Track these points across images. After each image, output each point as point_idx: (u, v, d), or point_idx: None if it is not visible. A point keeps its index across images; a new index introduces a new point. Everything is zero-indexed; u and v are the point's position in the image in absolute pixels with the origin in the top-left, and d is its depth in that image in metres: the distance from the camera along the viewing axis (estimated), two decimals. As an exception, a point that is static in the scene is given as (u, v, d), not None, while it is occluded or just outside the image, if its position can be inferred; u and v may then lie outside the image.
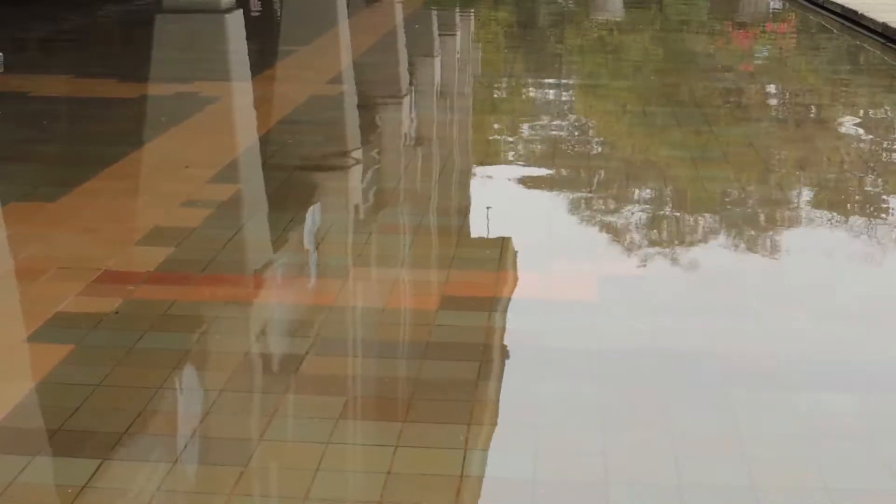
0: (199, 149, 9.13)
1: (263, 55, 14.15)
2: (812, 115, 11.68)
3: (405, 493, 4.03)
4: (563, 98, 12.34)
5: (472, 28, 18.21)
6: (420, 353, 5.20)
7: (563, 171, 8.81)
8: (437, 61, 14.54)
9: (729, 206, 7.86)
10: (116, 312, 5.59)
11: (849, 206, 8.13)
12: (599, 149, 9.76)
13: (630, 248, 6.97)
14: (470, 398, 4.75)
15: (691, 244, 7.18)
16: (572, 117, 11.20)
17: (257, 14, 18.27)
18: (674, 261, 6.80)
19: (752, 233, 7.38)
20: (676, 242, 7.17)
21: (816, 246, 7.21)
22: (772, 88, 13.26)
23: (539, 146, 9.88)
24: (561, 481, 4.13)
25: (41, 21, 16.18)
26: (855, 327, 5.73)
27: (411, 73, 13.32)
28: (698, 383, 4.99)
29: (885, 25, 15.24)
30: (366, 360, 5.29)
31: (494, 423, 4.63)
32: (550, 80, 13.33)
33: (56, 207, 7.34)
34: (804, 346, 5.47)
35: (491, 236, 7.26)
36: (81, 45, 15.09)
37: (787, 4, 20.45)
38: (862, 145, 10.08)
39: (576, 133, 10.36)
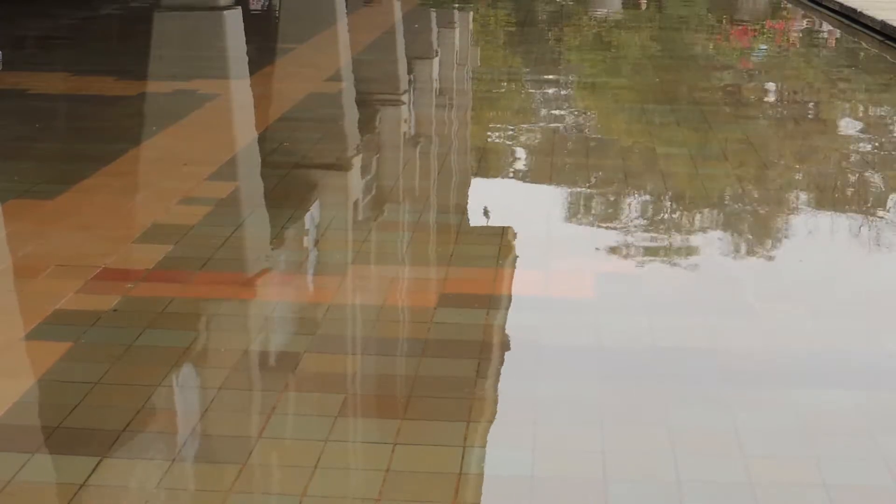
0: (198, 146, 9.13)
1: (262, 53, 14.13)
2: (810, 113, 11.68)
3: (404, 490, 4.03)
4: (562, 95, 12.33)
5: (471, 26, 18.20)
6: (418, 351, 5.20)
7: (562, 169, 8.80)
8: (436, 59, 14.54)
9: (727, 204, 7.86)
10: (115, 310, 5.59)
11: (847, 202, 8.13)
12: (598, 146, 9.76)
13: (628, 246, 6.97)
14: (468, 395, 4.75)
15: (689, 241, 7.18)
16: (571, 115, 11.19)
17: (257, 12, 18.26)
18: (672, 258, 6.80)
19: (751, 230, 7.38)
20: (674, 239, 7.17)
21: (815, 242, 7.22)
22: (770, 86, 13.26)
23: (537, 143, 9.88)
24: (559, 478, 4.13)
25: (40, 18, 16.17)
26: (853, 323, 5.73)
27: (410, 71, 13.32)
28: (696, 380, 5.00)
29: (883, 23, 15.25)
30: (364, 357, 5.29)
31: (493, 421, 4.63)
32: (549, 78, 13.32)
33: (54, 205, 7.33)
34: (802, 342, 5.47)
35: (489, 233, 7.26)
36: (80, 42, 15.07)
37: (786, 2, 20.44)
38: (860, 142, 10.08)
39: (574, 130, 10.36)
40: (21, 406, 4.63)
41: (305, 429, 4.50)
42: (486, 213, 7.74)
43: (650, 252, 6.89)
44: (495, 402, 4.80)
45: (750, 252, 7.03)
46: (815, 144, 9.85)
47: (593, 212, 7.73)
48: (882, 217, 7.77)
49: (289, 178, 8.30)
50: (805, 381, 5.00)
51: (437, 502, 3.97)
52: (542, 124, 10.56)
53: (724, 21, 18.92)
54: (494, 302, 5.87)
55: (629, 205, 7.82)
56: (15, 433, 4.41)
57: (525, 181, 8.70)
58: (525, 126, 10.57)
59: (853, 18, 16.69)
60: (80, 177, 7.91)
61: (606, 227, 7.36)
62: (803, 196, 8.24)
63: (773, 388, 4.89)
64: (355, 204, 7.97)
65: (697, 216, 7.65)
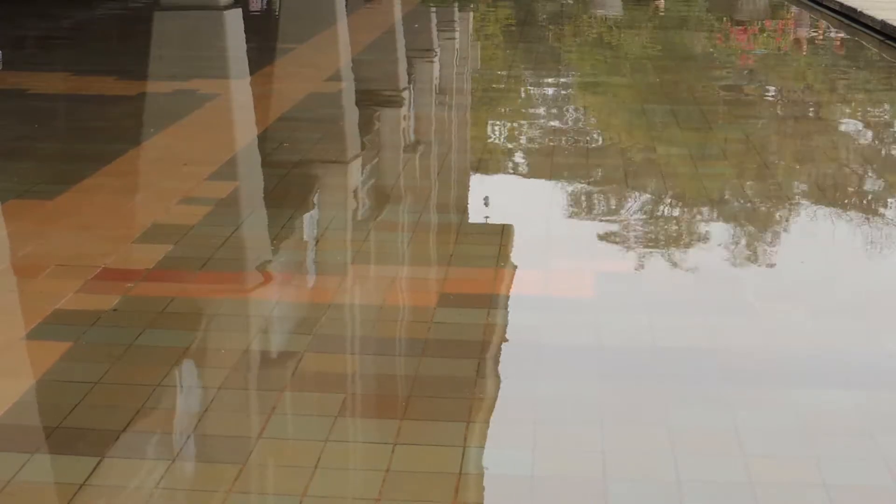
0: (198, 146, 9.13)
1: (262, 53, 14.14)
2: (810, 112, 11.68)
3: (404, 490, 4.03)
4: (562, 95, 12.33)
5: (471, 25, 18.21)
6: (418, 351, 5.20)
7: (562, 168, 8.80)
8: (436, 58, 14.54)
9: (727, 203, 7.86)
10: (115, 310, 5.59)
11: (847, 201, 8.13)
12: (598, 146, 9.76)
13: (628, 245, 6.97)
14: (468, 395, 4.75)
15: (689, 241, 7.18)
16: (571, 114, 11.19)
17: (257, 12, 18.26)
18: (672, 257, 6.80)
19: (751, 229, 7.38)
20: (674, 239, 7.17)
21: (815, 242, 7.22)
22: (770, 85, 13.26)
23: (538, 143, 9.88)
24: (559, 478, 4.13)
25: (40, 18, 16.17)
26: (853, 323, 5.73)
27: (410, 71, 13.32)
28: (696, 380, 5.00)
29: (883, 23, 15.25)
30: (364, 357, 5.29)
31: (493, 421, 4.63)
32: (549, 77, 13.33)
33: (54, 205, 7.33)
34: (802, 342, 5.47)
35: (489, 233, 7.26)
36: (80, 42, 15.08)
37: (786, 2, 20.44)
38: (860, 142, 10.08)
39: (574, 130, 10.35)
40: (21, 406, 4.64)
41: (305, 429, 4.50)
42: (486, 209, 7.74)
43: (650, 251, 6.89)
44: (495, 402, 4.80)
45: (750, 252, 7.03)
46: (815, 144, 9.85)
47: (593, 211, 7.73)
48: (882, 217, 7.77)
49: (289, 177, 8.30)
50: (805, 381, 5.00)
51: (437, 502, 3.97)
52: (542, 124, 10.56)
53: (724, 21, 18.92)
54: (494, 302, 5.87)
55: (629, 204, 7.82)
56: (15, 433, 4.41)
57: (525, 180, 8.69)
58: (525, 125, 10.57)
59: (853, 18, 16.69)
60: (80, 177, 7.91)
61: (606, 227, 7.36)
62: (803, 196, 8.24)
63: (773, 387, 4.89)
64: (355, 203, 7.97)
65: (697, 216, 7.65)
